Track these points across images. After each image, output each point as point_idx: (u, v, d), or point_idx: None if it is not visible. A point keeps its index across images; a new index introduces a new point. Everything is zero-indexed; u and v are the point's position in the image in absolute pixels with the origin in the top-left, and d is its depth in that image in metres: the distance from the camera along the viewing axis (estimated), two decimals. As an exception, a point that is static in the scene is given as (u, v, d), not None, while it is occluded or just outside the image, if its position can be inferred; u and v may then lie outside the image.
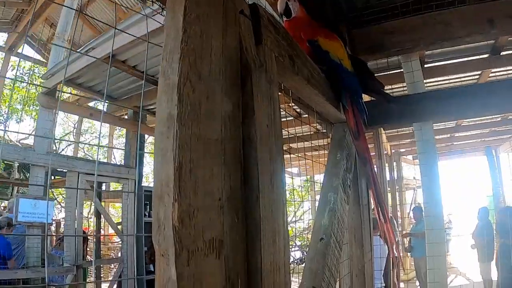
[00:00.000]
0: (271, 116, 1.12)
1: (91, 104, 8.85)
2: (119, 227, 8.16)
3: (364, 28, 2.83)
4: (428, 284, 3.00)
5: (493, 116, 8.01)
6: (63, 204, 11.85)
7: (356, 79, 2.11)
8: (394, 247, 2.15)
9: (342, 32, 2.73)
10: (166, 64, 0.89)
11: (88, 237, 8.97)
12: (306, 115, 6.09)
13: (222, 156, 0.92)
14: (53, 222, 10.64)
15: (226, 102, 0.96)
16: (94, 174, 6.93)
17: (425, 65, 4.39)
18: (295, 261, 11.68)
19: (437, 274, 2.85)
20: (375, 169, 2.10)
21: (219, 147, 0.91)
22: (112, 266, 10.88)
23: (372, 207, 2.22)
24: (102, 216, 8.13)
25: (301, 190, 16.76)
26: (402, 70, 3.16)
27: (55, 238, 9.30)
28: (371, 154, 2.22)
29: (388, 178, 8.84)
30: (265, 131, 1.06)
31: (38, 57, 11.59)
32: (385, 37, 2.76)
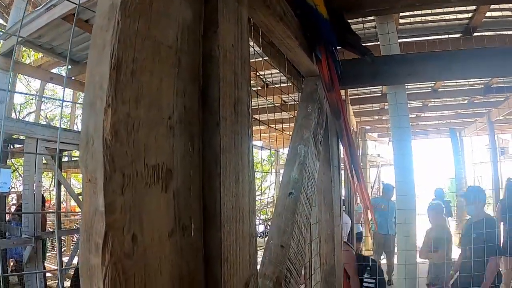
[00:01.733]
0: (238, 37, 0.95)
1: (54, 70, 8.39)
2: (81, 197, 7.85)
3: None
4: (398, 266, 2.95)
5: (460, 98, 8.06)
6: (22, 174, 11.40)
7: (331, 28, 1.95)
8: (369, 210, 2.05)
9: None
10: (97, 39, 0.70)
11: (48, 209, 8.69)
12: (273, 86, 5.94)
13: (176, 68, 0.75)
14: (10, 192, 10.22)
15: (186, 7, 0.80)
16: (55, 142, 6.60)
17: (399, 40, 4.28)
18: (259, 235, 11.73)
19: (408, 254, 2.80)
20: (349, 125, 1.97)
21: (173, 56, 0.74)
22: (75, 238, 10.60)
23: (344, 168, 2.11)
24: (63, 187, 7.82)
25: (266, 164, 16.75)
26: (378, 43, 3.02)
27: (12, 209, 8.96)
28: (345, 107, 2.10)
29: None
30: (230, 50, 0.90)
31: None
32: (363, -4, 2.61)
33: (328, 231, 2.25)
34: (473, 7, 3.90)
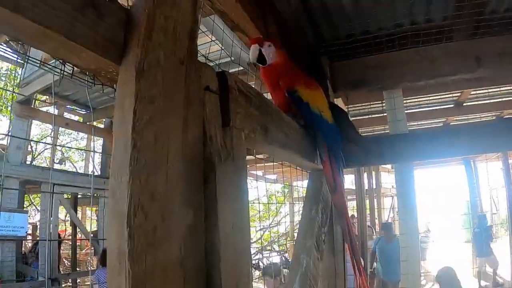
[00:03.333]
0: (239, 212, 1.04)
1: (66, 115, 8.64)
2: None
3: (346, 61, 2.76)
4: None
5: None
6: (38, 208, 11.60)
7: (336, 131, 2.02)
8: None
9: (323, 65, 2.65)
10: (114, 182, 0.80)
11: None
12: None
13: (183, 278, 0.84)
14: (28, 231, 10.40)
15: (186, 215, 0.88)
16: (68, 185, 6.81)
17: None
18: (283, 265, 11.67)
19: (411, 279, 2.82)
20: (350, 222, 2.02)
21: (179, 270, 0.83)
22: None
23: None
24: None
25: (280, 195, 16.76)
26: (384, 114, 3.10)
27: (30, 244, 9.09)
28: (348, 208, 2.16)
29: (366, 187, 8.87)
30: (230, 232, 0.98)
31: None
32: (368, 71, 2.69)
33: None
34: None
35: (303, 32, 2.56)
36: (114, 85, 0.93)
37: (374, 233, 9.11)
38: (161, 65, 0.89)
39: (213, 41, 2.75)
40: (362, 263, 1.98)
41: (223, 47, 2.88)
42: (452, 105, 5.85)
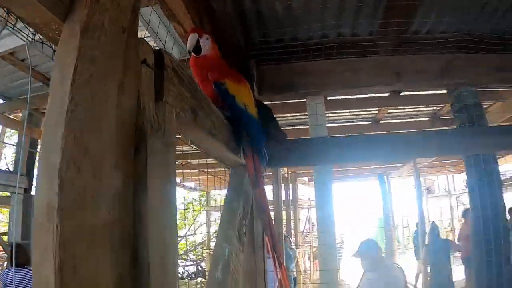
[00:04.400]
0: (167, 185, 1.05)
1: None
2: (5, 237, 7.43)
3: (274, 66, 2.86)
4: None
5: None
6: None
7: (260, 126, 2.07)
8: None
9: (250, 67, 2.72)
10: (48, 135, 0.78)
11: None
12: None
13: (110, 245, 0.83)
14: None
15: (116, 178, 0.87)
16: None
17: (328, 98, 4.60)
18: (189, 276, 11.52)
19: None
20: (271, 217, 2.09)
21: (106, 236, 0.83)
22: None
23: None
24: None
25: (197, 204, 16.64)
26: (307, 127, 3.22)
27: None
28: (268, 202, 2.23)
29: (283, 198, 9.12)
30: (159, 205, 0.99)
31: None
32: (295, 77, 2.82)
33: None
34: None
35: (235, 33, 2.61)
36: (54, 47, 0.93)
37: (291, 243, 9.40)
38: (105, 28, 0.90)
39: (147, 37, 2.74)
40: (282, 256, 2.05)
41: (156, 43, 2.86)
42: (369, 122, 6.16)
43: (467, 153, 2.98)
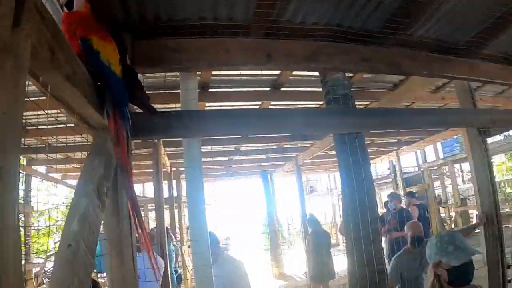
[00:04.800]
0: (12, 104, 1.07)
1: None
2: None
3: (148, 41, 2.85)
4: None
5: (269, 144, 8.92)
6: None
7: (122, 86, 2.09)
8: (150, 254, 2.17)
9: (124, 40, 2.69)
10: None
11: None
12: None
13: None
14: None
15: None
16: None
17: (209, 89, 4.66)
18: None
19: (205, 282, 2.95)
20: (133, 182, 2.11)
21: None
22: None
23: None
24: None
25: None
26: (178, 91, 3.27)
27: None
28: (131, 165, 2.23)
29: (166, 195, 8.98)
30: (1, 117, 1.00)
31: None
32: (169, 52, 2.83)
33: (118, 277, 2.32)
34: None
35: (113, 6, 2.58)
36: None
37: (174, 240, 9.30)
38: None
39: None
40: (142, 220, 2.06)
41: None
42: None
43: (334, 131, 3.25)
